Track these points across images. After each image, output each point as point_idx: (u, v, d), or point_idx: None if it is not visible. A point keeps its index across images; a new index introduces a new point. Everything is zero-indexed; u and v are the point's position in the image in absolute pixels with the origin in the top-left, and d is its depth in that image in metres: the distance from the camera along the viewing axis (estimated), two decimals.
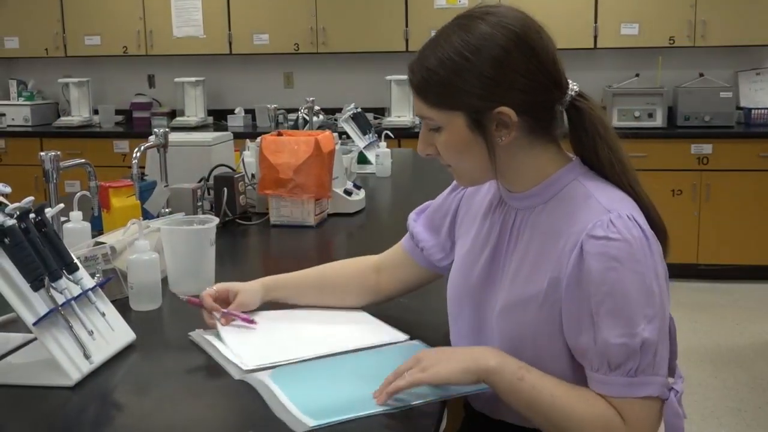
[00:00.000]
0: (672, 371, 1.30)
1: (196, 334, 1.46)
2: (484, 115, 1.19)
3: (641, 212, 1.23)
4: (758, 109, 4.92)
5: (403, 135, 4.73)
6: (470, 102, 1.18)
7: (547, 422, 1.17)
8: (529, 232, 1.26)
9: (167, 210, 2.25)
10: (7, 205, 1.31)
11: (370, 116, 4.42)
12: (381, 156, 3.31)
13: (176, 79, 5.55)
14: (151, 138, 2.32)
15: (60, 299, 1.29)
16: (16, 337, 1.43)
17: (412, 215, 1.55)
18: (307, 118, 3.05)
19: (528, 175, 1.26)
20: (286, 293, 1.54)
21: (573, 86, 1.26)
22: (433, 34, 1.26)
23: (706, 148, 4.67)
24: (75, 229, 1.87)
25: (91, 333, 1.32)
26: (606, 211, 1.18)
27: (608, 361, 1.14)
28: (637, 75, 5.13)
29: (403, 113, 5.16)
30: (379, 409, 1.14)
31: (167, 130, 2.34)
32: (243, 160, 2.68)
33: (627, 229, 1.16)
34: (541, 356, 1.20)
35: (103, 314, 1.37)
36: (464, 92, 1.18)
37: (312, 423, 1.09)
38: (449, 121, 1.21)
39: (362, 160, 3.36)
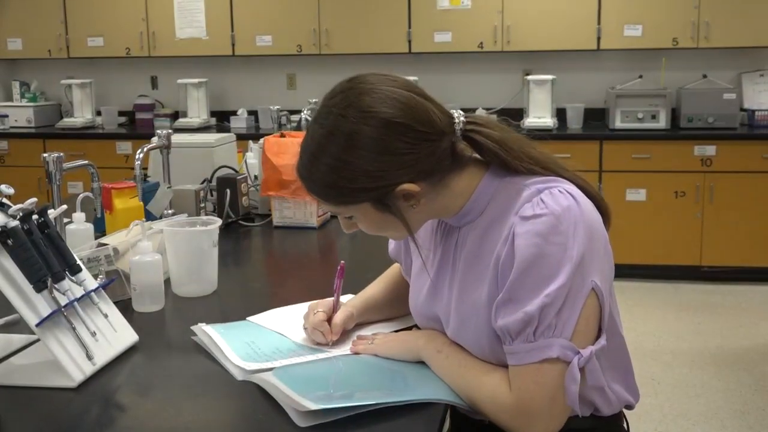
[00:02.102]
0: (631, 389, 1.32)
1: (198, 329, 1.47)
2: (387, 197, 1.19)
3: (576, 187, 1.22)
4: (762, 110, 4.91)
5: None
6: (367, 195, 1.19)
7: (458, 389, 1.22)
8: (469, 246, 1.26)
9: (170, 211, 2.25)
10: (10, 207, 1.31)
11: None
12: None
13: (179, 81, 5.56)
14: (154, 139, 2.33)
15: (63, 300, 1.29)
16: (19, 339, 1.43)
17: (390, 241, 1.55)
18: (310, 119, 3.04)
19: (453, 202, 1.26)
20: (368, 316, 1.52)
21: (459, 117, 1.23)
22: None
23: (710, 150, 4.66)
24: (78, 231, 1.88)
25: (93, 334, 1.33)
26: (537, 192, 1.18)
27: (508, 330, 1.15)
28: (641, 76, 5.12)
29: None
30: (377, 401, 1.14)
31: (170, 131, 2.34)
32: (246, 161, 2.67)
33: (556, 202, 1.16)
34: (503, 359, 1.20)
35: (106, 315, 1.37)
36: (358, 190, 1.18)
37: (313, 406, 1.10)
38: (358, 211, 1.22)
39: None
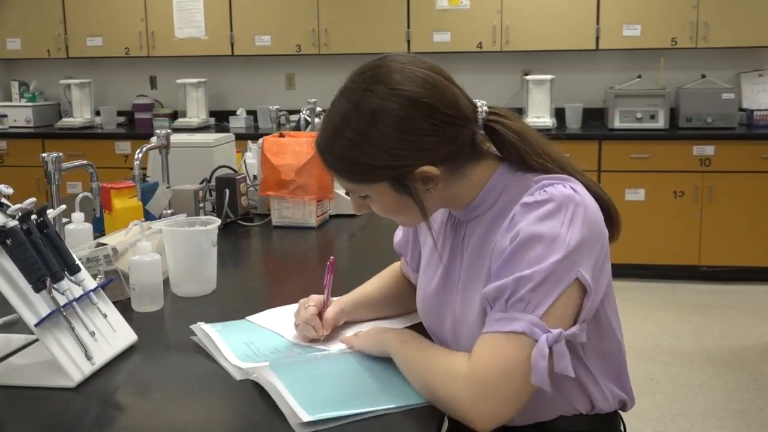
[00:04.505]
0: (625, 389, 1.31)
1: (197, 328, 1.47)
2: (406, 178, 1.19)
3: (586, 189, 1.21)
4: (760, 110, 4.92)
5: None
6: (387, 173, 1.18)
7: (415, 376, 1.19)
8: (474, 240, 1.26)
9: (169, 211, 2.25)
10: (9, 207, 1.31)
11: None
12: None
13: (178, 81, 5.55)
14: (153, 139, 2.33)
15: (62, 300, 1.29)
16: (18, 339, 1.43)
17: (396, 233, 1.55)
18: (309, 119, 3.05)
19: (466, 193, 1.26)
20: (359, 313, 1.52)
21: (482, 107, 1.23)
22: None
23: (708, 150, 4.67)
24: (77, 231, 1.87)
25: (92, 334, 1.33)
26: (543, 186, 1.18)
27: (486, 297, 1.15)
28: (639, 76, 5.13)
29: None
30: (373, 408, 1.14)
31: (169, 131, 2.34)
32: (245, 161, 2.67)
33: (558, 191, 1.16)
34: None
35: (105, 315, 1.37)
36: (378, 167, 1.18)
37: (306, 417, 1.10)
38: (374, 190, 1.22)
39: None
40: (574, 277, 1.13)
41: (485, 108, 1.24)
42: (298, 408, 1.12)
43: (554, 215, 1.14)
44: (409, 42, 5.12)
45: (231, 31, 5.38)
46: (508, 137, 1.23)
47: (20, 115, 5.64)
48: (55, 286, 1.29)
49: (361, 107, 1.17)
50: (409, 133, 1.16)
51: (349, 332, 1.45)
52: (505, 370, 1.09)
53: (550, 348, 1.10)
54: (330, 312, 1.44)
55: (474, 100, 1.24)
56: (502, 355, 1.10)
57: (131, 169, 2.20)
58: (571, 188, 1.17)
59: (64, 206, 1.70)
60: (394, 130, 1.15)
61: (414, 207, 1.22)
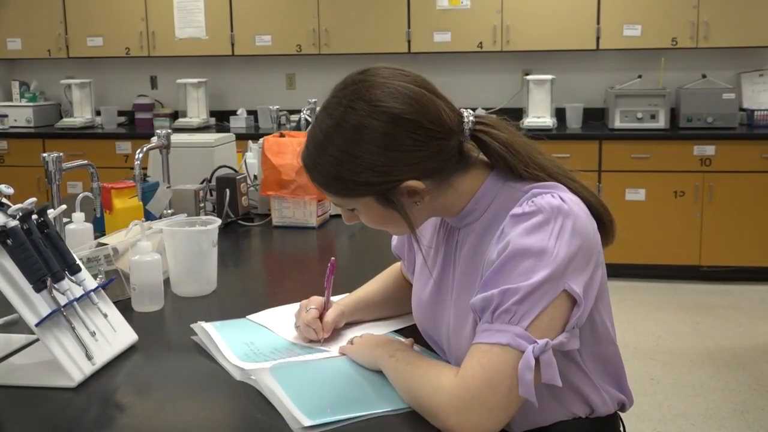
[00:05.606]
0: (623, 390, 1.31)
1: (197, 327, 1.47)
2: (391, 193, 1.19)
3: (577, 197, 1.20)
4: (761, 110, 4.92)
5: None
6: (371, 189, 1.18)
7: (405, 389, 1.17)
8: (467, 249, 1.26)
9: (169, 211, 2.25)
10: (9, 206, 1.31)
11: None
12: None
13: (178, 81, 5.56)
14: (154, 139, 2.33)
15: (62, 300, 1.29)
16: (18, 338, 1.43)
17: (393, 236, 1.55)
18: (309, 119, 3.05)
19: (456, 202, 1.25)
20: (359, 315, 1.52)
21: (468, 117, 1.22)
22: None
23: (709, 150, 4.67)
24: (77, 230, 1.88)
25: (93, 334, 1.33)
26: (532, 195, 1.18)
27: (474, 308, 1.14)
28: (640, 76, 5.13)
29: None
30: (373, 411, 1.14)
31: (169, 131, 2.34)
32: (245, 161, 2.68)
33: (546, 202, 1.15)
34: None
35: (106, 315, 1.37)
36: (362, 183, 1.18)
37: (307, 422, 1.10)
38: (361, 204, 1.22)
39: None
40: (561, 290, 1.11)
41: (471, 118, 1.22)
42: (299, 413, 1.12)
43: (542, 227, 1.13)
44: (409, 42, 5.12)
45: (231, 31, 5.38)
46: (495, 147, 1.22)
47: (21, 115, 5.65)
48: (55, 286, 1.29)
49: (343, 125, 1.16)
50: (393, 149, 1.15)
51: (348, 334, 1.45)
52: (490, 382, 1.08)
53: (537, 358, 1.09)
54: (330, 315, 1.44)
55: (461, 110, 1.23)
56: (487, 366, 1.09)
57: (132, 169, 2.20)
58: (560, 198, 1.16)
59: (64, 206, 1.70)
60: (377, 148, 1.15)
61: (400, 219, 1.21)
